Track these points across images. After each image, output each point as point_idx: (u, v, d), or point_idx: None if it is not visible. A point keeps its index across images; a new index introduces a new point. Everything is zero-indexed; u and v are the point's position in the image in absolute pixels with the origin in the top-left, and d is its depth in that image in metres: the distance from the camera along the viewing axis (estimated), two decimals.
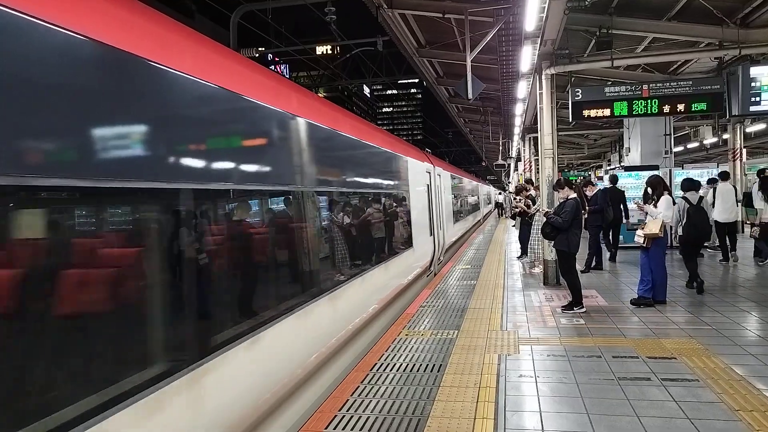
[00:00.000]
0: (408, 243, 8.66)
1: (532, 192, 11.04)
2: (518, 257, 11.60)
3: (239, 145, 3.66)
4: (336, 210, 5.63)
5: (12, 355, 1.88)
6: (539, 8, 6.55)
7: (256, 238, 3.90)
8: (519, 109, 14.60)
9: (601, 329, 5.64)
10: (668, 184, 9.19)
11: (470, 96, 10.39)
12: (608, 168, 22.01)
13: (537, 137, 9.88)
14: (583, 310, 6.44)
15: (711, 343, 4.93)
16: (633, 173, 12.85)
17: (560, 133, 15.68)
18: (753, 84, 8.50)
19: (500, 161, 33.67)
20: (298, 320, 4.04)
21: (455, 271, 10.29)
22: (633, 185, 12.43)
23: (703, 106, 8.92)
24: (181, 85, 2.89)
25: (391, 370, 4.53)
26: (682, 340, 5.11)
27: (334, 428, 3.47)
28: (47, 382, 2.02)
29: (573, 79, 10.97)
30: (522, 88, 11.51)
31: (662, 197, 6.73)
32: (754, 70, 8.52)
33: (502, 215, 32.09)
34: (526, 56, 8.61)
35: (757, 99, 8.53)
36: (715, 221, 10.11)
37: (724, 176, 10.52)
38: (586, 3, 7.10)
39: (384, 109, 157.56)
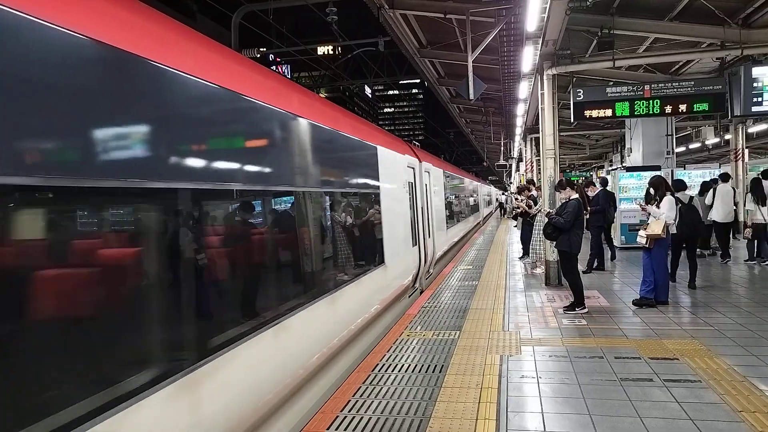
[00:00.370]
0: (374, 260, 6.61)
1: (534, 192, 11.04)
2: (520, 258, 11.58)
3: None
4: (240, 217, 3.63)
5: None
6: (541, 8, 6.54)
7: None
8: (520, 109, 14.59)
9: (603, 330, 5.63)
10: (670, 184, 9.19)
11: (472, 96, 10.38)
12: (610, 168, 22.02)
13: (539, 137, 9.89)
14: (585, 310, 6.43)
15: (713, 344, 4.92)
16: (635, 174, 12.84)
17: (562, 134, 15.65)
18: (755, 84, 8.50)
19: (502, 161, 33.74)
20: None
21: (457, 272, 10.28)
22: (635, 186, 12.43)
23: (705, 106, 8.93)
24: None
25: (392, 371, 4.53)
26: (685, 340, 5.10)
27: (336, 429, 3.47)
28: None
29: (574, 79, 10.98)
30: (523, 89, 11.50)
31: (665, 198, 6.71)
32: (756, 71, 8.53)
33: (504, 215, 32.11)
34: (528, 57, 8.61)
35: (759, 99, 8.54)
36: (714, 221, 10.12)
37: (724, 177, 10.59)
38: (588, 3, 7.08)
39: (385, 110, 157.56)
